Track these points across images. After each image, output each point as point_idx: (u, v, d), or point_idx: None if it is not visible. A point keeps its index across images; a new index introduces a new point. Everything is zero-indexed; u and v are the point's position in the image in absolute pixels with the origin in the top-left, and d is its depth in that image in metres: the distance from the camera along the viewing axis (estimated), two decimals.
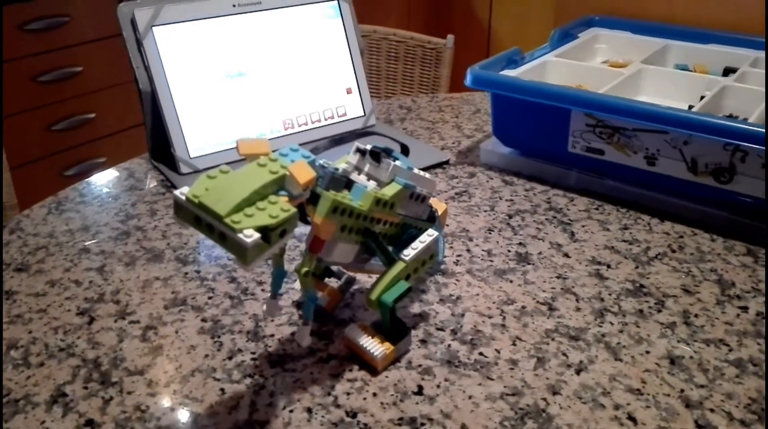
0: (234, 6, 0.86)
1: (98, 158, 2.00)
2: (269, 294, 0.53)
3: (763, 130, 0.61)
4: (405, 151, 0.53)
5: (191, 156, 0.82)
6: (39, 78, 1.87)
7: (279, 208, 0.41)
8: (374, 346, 0.51)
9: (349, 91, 0.95)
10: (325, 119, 0.92)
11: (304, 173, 0.43)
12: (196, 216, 0.41)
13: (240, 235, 0.39)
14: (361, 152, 0.51)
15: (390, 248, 0.53)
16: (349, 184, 0.49)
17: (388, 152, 0.51)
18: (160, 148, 0.85)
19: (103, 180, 0.84)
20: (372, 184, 0.50)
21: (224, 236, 0.40)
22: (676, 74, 0.84)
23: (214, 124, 0.84)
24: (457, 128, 0.97)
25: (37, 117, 1.90)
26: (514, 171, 0.83)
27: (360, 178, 0.51)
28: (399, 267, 0.51)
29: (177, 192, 0.42)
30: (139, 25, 0.79)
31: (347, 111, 0.94)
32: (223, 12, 0.85)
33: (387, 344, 0.51)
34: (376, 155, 0.50)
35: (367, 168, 0.51)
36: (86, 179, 0.84)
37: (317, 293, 0.57)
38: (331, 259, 0.50)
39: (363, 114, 0.95)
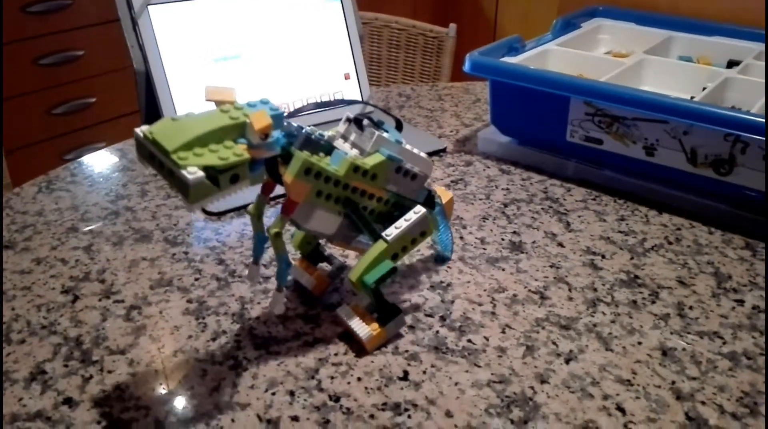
0: None
1: (98, 143, 1.99)
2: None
3: (764, 120, 0.59)
4: (399, 126, 0.52)
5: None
6: (40, 61, 1.86)
7: (232, 152, 0.42)
8: (361, 327, 0.50)
9: (347, 77, 0.93)
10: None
11: (260, 119, 0.42)
12: (152, 153, 0.42)
13: (183, 172, 0.39)
14: (350, 121, 0.50)
15: (382, 228, 0.52)
16: (330, 149, 0.48)
17: (378, 124, 0.50)
18: None
19: (96, 160, 0.83)
20: (355, 152, 0.49)
21: (172, 173, 0.40)
22: (678, 65, 0.83)
23: (208, 105, 0.83)
24: (456, 117, 0.96)
25: (37, 100, 1.89)
26: (511, 160, 0.82)
27: (344, 146, 0.50)
28: (380, 247, 0.49)
29: (137, 129, 0.42)
30: (134, 4, 0.78)
31: (345, 97, 0.92)
32: None
33: (374, 325, 0.50)
34: (359, 122, 0.49)
35: (353, 137, 0.50)
36: (78, 159, 0.83)
37: (304, 276, 0.56)
38: (310, 226, 0.48)
39: (360, 100, 0.93)
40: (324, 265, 0.59)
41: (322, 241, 0.58)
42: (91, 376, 0.49)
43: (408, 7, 2.90)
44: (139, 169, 0.81)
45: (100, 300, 0.57)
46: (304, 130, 0.47)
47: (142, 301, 0.57)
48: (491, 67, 0.75)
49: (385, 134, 0.50)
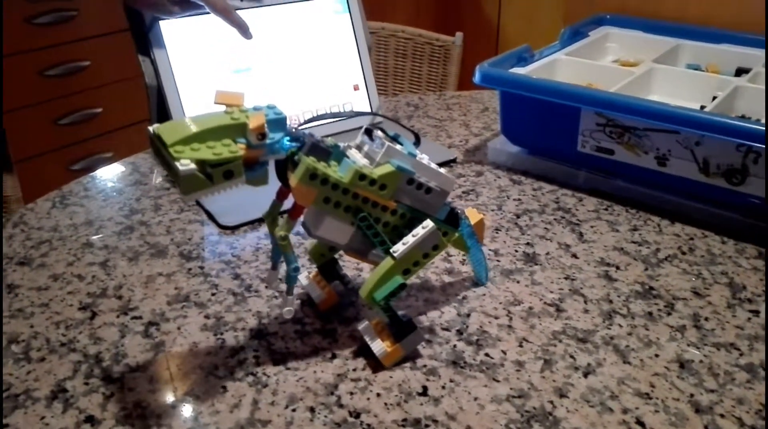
0: (241, 0, 0.85)
1: (105, 153, 2.00)
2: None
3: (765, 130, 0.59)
4: (417, 141, 0.52)
5: None
6: (46, 72, 1.86)
7: (227, 149, 0.44)
8: (376, 344, 0.50)
9: (356, 88, 0.94)
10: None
11: (256, 119, 0.44)
12: (158, 149, 0.44)
13: (176, 163, 0.42)
14: (366, 132, 0.50)
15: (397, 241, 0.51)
16: (341, 158, 0.48)
17: (394, 137, 0.50)
18: None
19: (108, 174, 0.83)
20: (366, 162, 0.50)
21: (170, 166, 0.43)
22: (687, 74, 0.83)
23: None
24: (465, 126, 0.96)
25: (43, 111, 1.90)
26: (522, 170, 0.82)
27: (356, 156, 0.50)
28: (388, 263, 0.49)
29: (150, 127, 0.45)
30: (145, 18, 0.79)
31: (354, 108, 0.93)
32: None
33: (389, 342, 0.50)
34: (370, 133, 0.50)
35: (366, 148, 0.50)
36: (91, 173, 0.84)
37: (316, 291, 0.57)
38: (320, 233, 0.49)
39: (370, 111, 0.94)
40: (337, 283, 0.59)
41: (337, 256, 0.59)
42: (112, 394, 0.49)
43: (410, 14, 2.90)
44: (153, 183, 0.81)
45: (118, 316, 0.57)
46: (311, 137, 0.47)
47: (160, 318, 0.57)
48: (502, 78, 0.76)
49: (397, 146, 0.50)
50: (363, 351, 0.53)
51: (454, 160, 0.85)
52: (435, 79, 1.33)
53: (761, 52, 0.88)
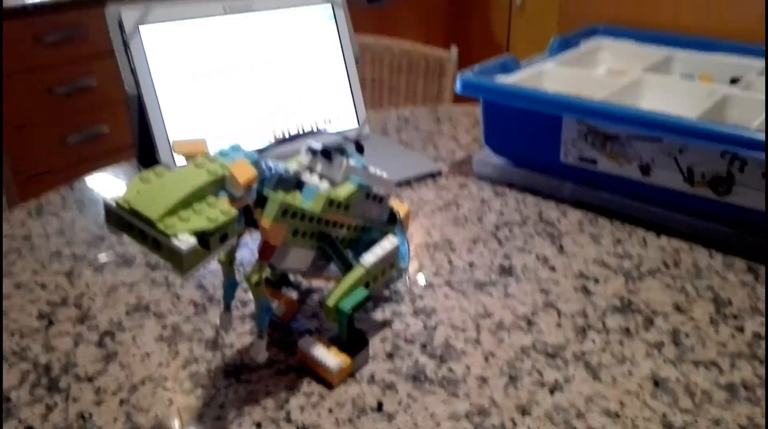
0: (224, 8, 0.85)
1: None
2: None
3: (760, 136, 0.57)
4: (360, 149, 0.50)
5: (177, 162, 0.80)
6: (54, 90, 1.89)
7: (218, 210, 0.38)
8: (329, 358, 0.47)
9: (342, 98, 0.92)
10: (317, 127, 0.90)
11: (244, 172, 0.40)
12: (129, 222, 0.38)
13: (174, 241, 0.36)
14: (313, 152, 0.48)
15: (350, 254, 0.50)
16: (299, 184, 0.46)
17: (341, 151, 0.48)
18: (148, 152, 0.84)
19: (88, 184, 0.83)
20: (325, 184, 0.48)
21: (158, 244, 0.37)
22: (678, 83, 0.81)
23: (201, 129, 0.82)
24: (454, 140, 0.94)
25: (50, 129, 1.92)
26: (507, 182, 0.80)
27: (312, 179, 0.48)
28: (358, 272, 0.48)
29: (107, 197, 0.39)
30: (126, 26, 0.79)
31: (339, 119, 0.91)
32: (213, 13, 0.84)
33: (344, 356, 0.48)
34: (328, 154, 0.48)
35: (319, 168, 0.48)
36: (71, 184, 0.83)
37: (272, 303, 0.54)
38: (285, 265, 0.47)
39: (356, 123, 0.92)
40: (289, 289, 0.57)
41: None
42: (55, 404, 0.47)
43: (421, 32, 2.91)
44: None
45: (74, 325, 0.56)
46: (275, 171, 0.45)
47: (116, 327, 0.55)
48: (482, 86, 0.74)
49: (352, 161, 0.48)
50: None
51: (438, 173, 0.83)
52: (431, 94, 1.31)
53: (756, 61, 0.85)
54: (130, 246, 0.68)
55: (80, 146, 1.99)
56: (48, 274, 0.63)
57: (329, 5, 0.92)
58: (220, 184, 0.40)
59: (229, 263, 0.47)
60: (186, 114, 0.81)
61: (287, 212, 0.44)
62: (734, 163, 0.61)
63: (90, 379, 0.49)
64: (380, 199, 0.50)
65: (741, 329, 0.54)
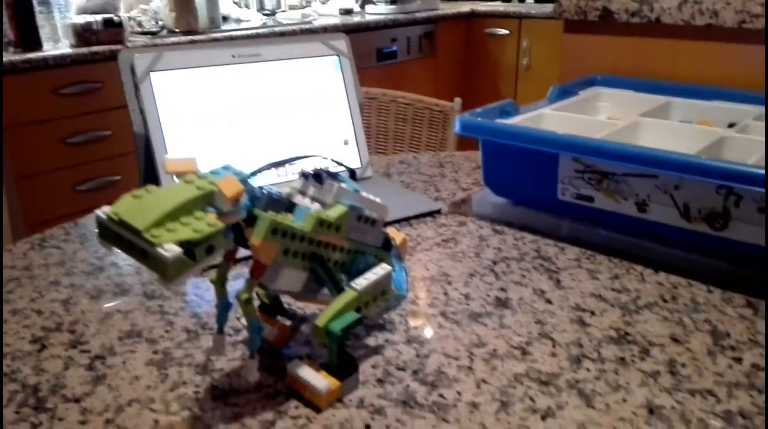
0: (233, 56, 0.88)
1: None
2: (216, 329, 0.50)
3: (755, 170, 0.57)
4: (352, 175, 0.51)
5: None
6: (69, 140, 1.94)
7: (205, 223, 0.40)
8: (317, 380, 0.47)
9: (346, 143, 0.95)
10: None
11: (231, 186, 0.41)
12: (119, 235, 0.40)
13: (159, 250, 0.37)
14: (305, 176, 0.50)
15: (344, 278, 0.50)
16: (291, 206, 0.47)
17: (333, 175, 0.49)
18: None
19: (92, 219, 0.84)
20: (316, 206, 0.49)
21: (145, 253, 0.38)
22: (675, 127, 0.82)
23: (206, 170, 0.84)
24: (455, 182, 0.96)
25: (64, 177, 1.96)
26: (506, 221, 0.80)
27: (304, 201, 0.49)
28: (349, 295, 0.48)
29: (98, 211, 0.40)
30: (137, 70, 0.82)
31: (343, 163, 0.93)
32: (222, 61, 0.87)
33: (333, 380, 0.47)
34: (319, 177, 0.49)
35: (311, 191, 0.49)
36: (75, 220, 0.84)
37: (264, 325, 0.54)
38: (277, 286, 0.47)
39: (359, 166, 0.94)
40: (282, 318, 0.57)
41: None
42: (41, 423, 0.47)
43: (430, 89, 2.99)
44: None
45: (66, 349, 0.55)
46: (265, 191, 0.46)
47: (108, 351, 0.55)
48: (480, 127, 0.75)
49: (343, 185, 0.49)
50: None
51: (438, 211, 0.83)
52: (434, 143, 1.34)
53: (753, 108, 0.86)
54: (129, 277, 0.68)
55: (93, 194, 2.02)
56: (45, 302, 0.63)
57: (335, 56, 0.95)
58: (208, 200, 0.41)
59: (221, 285, 0.48)
60: (192, 155, 0.83)
61: (277, 231, 0.44)
62: (729, 199, 0.61)
63: (77, 400, 0.49)
64: (372, 222, 0.51)
65: (739, 360, 0.53)
